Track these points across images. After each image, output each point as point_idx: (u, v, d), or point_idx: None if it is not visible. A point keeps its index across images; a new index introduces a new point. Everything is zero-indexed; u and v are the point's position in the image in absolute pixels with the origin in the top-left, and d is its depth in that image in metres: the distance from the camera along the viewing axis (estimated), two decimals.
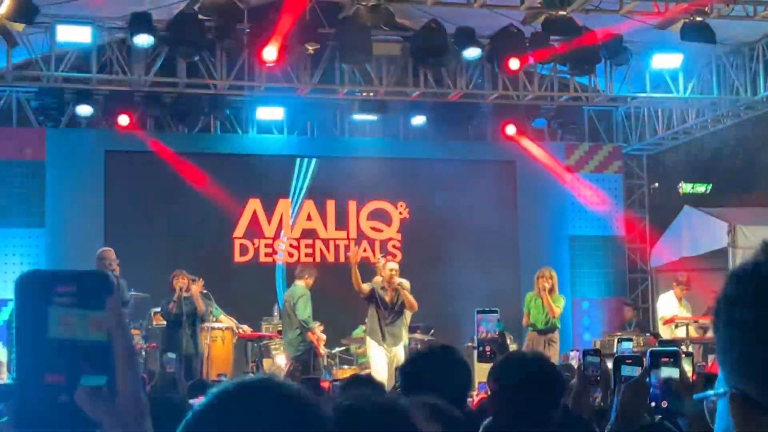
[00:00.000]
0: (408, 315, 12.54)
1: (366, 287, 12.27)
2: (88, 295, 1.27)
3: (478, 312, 5.58)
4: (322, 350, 12.78)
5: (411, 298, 12.31)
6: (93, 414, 1.22)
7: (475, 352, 5.96)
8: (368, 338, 12.43)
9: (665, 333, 13.53)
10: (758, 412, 1.24)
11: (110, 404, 1.24)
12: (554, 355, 12.51)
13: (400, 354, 12.08)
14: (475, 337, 5.87)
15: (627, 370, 4.33)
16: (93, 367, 1.24)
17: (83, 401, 1.22)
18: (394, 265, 12.66)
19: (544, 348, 12.61)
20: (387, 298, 12.21)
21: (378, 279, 12.42)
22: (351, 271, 12.19)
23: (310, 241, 16.87)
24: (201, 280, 12.66)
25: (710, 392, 1.35)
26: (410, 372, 4.22)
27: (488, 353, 5.45)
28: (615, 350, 8.63)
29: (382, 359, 12.12)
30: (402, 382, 4.28)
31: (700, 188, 19.38)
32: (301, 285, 12.86)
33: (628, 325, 15.44)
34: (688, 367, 5.93)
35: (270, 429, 1.50)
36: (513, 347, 12.53)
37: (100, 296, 1.28)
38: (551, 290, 13.03)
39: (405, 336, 12.48)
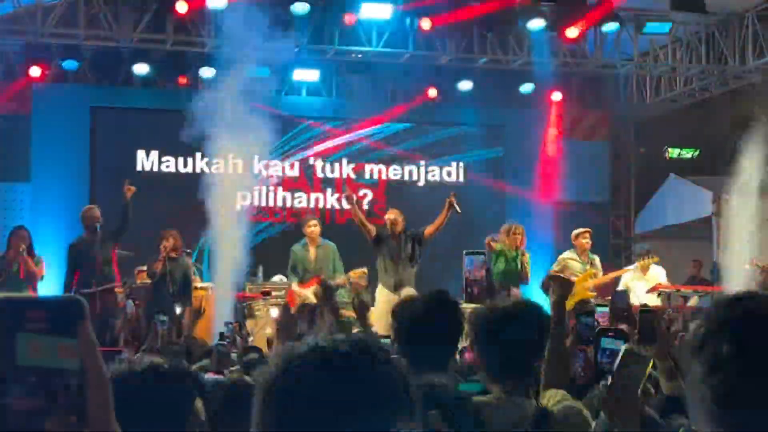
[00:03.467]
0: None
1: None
2: (59, 321, 1.25)
3: (466, 254, 5.50)
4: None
5: None
6: None
7: (463, 294, 5.85)
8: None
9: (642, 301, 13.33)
10: None
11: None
12: None
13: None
14: (463, 279, 5.75)
15: (607, 343, 4.32)
16: (63, 394, 1.23)
17: (54, 428, 1.21)
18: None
19: None
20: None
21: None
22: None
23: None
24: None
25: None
26: (404, 318, 4.12)
27: (476, 293, 5.40)
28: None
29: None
30: (395, 328, 4.20)
31: (687, 154, 19.42)
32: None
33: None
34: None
35: None
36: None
37: (72, 322, 1.26)
38: (519, 246, 12.91)
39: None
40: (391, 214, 12.54)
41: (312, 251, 12.49)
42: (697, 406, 1.29)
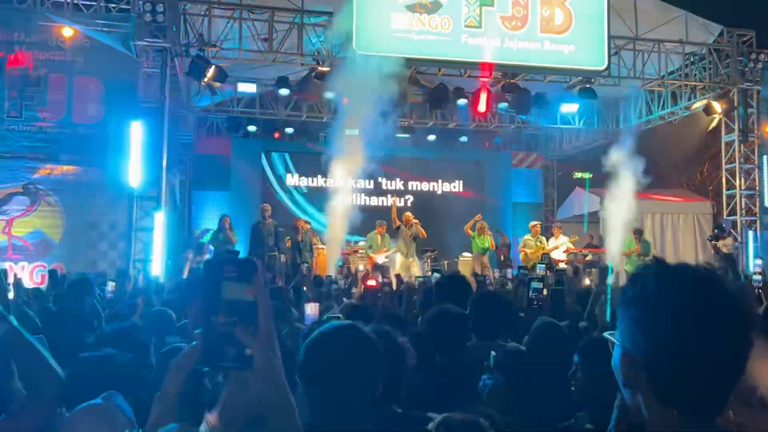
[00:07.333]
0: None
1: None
2: (242, 272, 1.18)
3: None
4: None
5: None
6: (246, 341, 1.17)
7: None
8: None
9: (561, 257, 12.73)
10: (637, 366, 1.14)
11: (255, 335, 1.18)
12: (490, 272, 11.88)
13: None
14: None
15: (534, 284, 4.13)
16: (245, 313, 1.18)
17: (241, 333, 1.17)
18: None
19: (482, 267, 12.11)
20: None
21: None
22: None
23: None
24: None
25: (613, 338, 1.18)
26: (436, 286, 3.84)
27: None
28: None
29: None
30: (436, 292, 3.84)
31: (586, 175, 19.13)
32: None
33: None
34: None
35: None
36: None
37: (250, 274, 1.18)
38: (484, 231, 12.67)
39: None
40: (407, 215, 12.48)
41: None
42: (625, 325, 1.15)
